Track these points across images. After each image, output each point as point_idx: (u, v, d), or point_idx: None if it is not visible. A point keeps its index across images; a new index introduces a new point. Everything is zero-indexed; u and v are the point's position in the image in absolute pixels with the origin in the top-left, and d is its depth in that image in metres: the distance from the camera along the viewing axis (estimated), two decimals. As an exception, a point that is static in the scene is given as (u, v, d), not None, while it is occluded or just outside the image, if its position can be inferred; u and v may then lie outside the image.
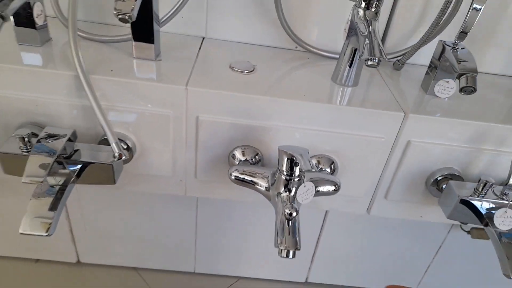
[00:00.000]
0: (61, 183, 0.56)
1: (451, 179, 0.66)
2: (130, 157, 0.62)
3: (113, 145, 0.54)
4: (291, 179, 0.55)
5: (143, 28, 0.60)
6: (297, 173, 0.55)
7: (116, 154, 0.54)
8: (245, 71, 0.65)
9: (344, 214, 1.01)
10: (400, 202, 0.71)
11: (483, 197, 0.62)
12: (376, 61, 0.55)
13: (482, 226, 0.65)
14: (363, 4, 0.58)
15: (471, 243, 1.07)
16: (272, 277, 1.18)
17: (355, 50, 0.63)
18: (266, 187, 0.58)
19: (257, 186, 0.58)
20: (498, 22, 0.74)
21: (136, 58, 0.63)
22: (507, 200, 0.62)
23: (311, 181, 0.58)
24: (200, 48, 0.71)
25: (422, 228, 1.04)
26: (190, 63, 0.65)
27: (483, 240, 1.05)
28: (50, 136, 0.55)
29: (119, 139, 0.59)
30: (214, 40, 0.75)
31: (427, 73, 0.70)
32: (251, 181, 0.59)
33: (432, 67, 0.68)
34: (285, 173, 0.55)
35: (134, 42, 0.62)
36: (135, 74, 0.59)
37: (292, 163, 0.54)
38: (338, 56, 0.76)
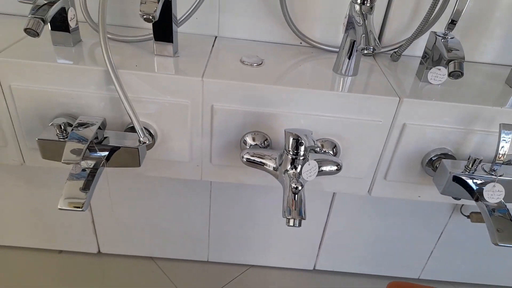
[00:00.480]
0: (92, 166, 0.63)
1: (445, 158, 0.72)
2: (152, 143, 0.69)
3: (139, 131, 0.61)
4: (296, 158, 0.62)
5: (164, 28, 0.67)
6: (302, 152, 0.61)
7: (142, 139, 0.61)
8: (255, 64, 0.72)
9: (349, 202, 1.07)
10: (399, 182, 0.77)
11: (473, 173, 0.68)
12: (371, 49, 0.61)
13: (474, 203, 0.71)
14: (359, 0, 0.65)
15: (471, 227, 1.12)
16: (282, 265, 1.24)
17: (354, 42, 0.69)
18: (274, 167, 0.65)
19: (266, 167, 0.65)
20: (489, 13, 0.80)
21: (156, 55, 0.70)
22: (495, 176, 0.68)
23: (315, 160, 0.64)
24: (213, 46, 0.78)
25: (425, 214, 1.10)
26: (204, 58, 0.72)
27: (483, 224, 1.10)
28: (83, 124, 0.62)
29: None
30: (226, 38, 0.82)
31: (421, 62, 0.76)
32: (261, 162, 0.65)
33: (425, 56, 0.74)
34: (291, 152, 0.62)
35: (155, 42, 0.69)
36: (157, 69, 0.66)
37: (298, 143, 0.61)
38: (336, 49, 0.83)
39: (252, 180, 0.77)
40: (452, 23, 0.69)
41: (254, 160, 0.66)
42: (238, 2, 0.79)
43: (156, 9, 0.59)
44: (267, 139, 0.71)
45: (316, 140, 0.71)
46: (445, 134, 0.71)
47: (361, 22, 0.64)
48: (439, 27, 0.77)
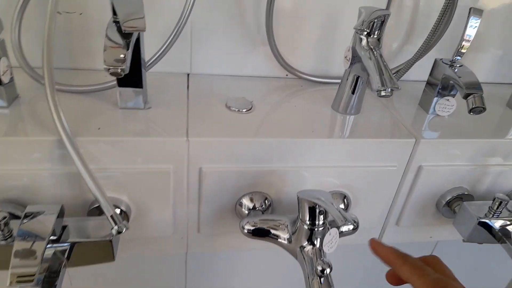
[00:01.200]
0: (50, 270, 0.47)
1: (462, 198, 0.65)
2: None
3: (110, 218, 0.46)
4: (314, 229, 0.50)
5: (130, 74, 0.52)
6: (321, 222, 0.50)
7: (116, 228, 0.47)
8: (243, 110, 0.60)
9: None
10: (412, 226, 0.69)
11: (498, 216, 0.61)
12: (390, 91, 0.52)
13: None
14: (364, 32, 0.55)
15: (463, 246, 1.08)
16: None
17: (358, 77, 0.60)
18: (288, 238, 0.53)
19: (279, 240, 0.53)
20: (482, 29, 0.75)
21: (122, 108, 0.55)
22: (521, 216, 0.61)
23: (334, 226, 0.53)
24: (188, 87, 0.65)
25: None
26: (183, 107, 0.58)
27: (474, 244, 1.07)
28: (34, 216, 0.46)
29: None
30: (200, 75, 0.69)
31: (425, 91, 0.68)
32: (271, 233, 0.53)
33: (430, 85, 0.67)
34: (308, 223, 0.50)
35: (119, 91, 0.54)
36: (127, 130, 0.51)
37: (315, 212, 0.49)
38: (330, 80, 0.73)
39: (250, 245, 0.64)
40: (460, 53, 0.62)
41: (259, 230, 0.54)
42: (212, 32, 0.66)
43: (125, 58, 0.44)
44: (267, 198, 0.59)
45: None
46: (461, 172, 0.64)
47: (371, 57, 0.54)
48: (439, 50, 0.70)
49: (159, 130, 0.52)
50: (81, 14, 0.59)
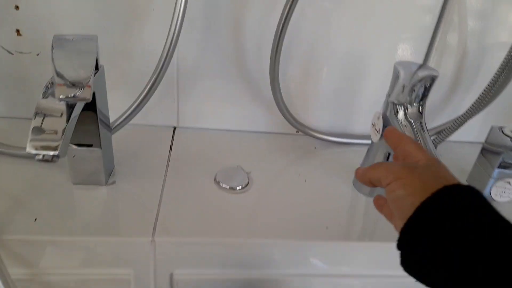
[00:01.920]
0: None
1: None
2: None
3: None
4: None
5: (87, 136, 0.39)
6: None
7: None
8: (238, 188, 0.46)
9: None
10: None
11: None
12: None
13: None
14: (402, 99, 0.41)
15: None
16: None
17: (389, 154, 0.45)
18: None
19: None
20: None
21: (76, 184, 0.42)
22: None
23: None
24: (171, 147, 0.51)
25: None
26: (158, 181, 0.45)
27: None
28: None
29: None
30: (189, 130, 0.56)
31: (476, 166, 0.53)
32: None
33: (484, 160, 0.52)
34: None
35: (71, 158, 0.41)
36: (74, 221, 0.38)
37: None
38: (351, 141, 0.59)
39: None
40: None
41: None
42: (203, 77, 0.53)
43: (60, 137, 0.31)
44: (262, 307, 0.44)
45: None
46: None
47: (411, 136, 0.39)
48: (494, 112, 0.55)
49: (118, 222, 0.39)
50: (38, 55, 0.47)
